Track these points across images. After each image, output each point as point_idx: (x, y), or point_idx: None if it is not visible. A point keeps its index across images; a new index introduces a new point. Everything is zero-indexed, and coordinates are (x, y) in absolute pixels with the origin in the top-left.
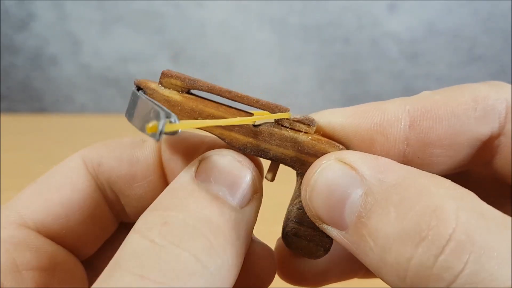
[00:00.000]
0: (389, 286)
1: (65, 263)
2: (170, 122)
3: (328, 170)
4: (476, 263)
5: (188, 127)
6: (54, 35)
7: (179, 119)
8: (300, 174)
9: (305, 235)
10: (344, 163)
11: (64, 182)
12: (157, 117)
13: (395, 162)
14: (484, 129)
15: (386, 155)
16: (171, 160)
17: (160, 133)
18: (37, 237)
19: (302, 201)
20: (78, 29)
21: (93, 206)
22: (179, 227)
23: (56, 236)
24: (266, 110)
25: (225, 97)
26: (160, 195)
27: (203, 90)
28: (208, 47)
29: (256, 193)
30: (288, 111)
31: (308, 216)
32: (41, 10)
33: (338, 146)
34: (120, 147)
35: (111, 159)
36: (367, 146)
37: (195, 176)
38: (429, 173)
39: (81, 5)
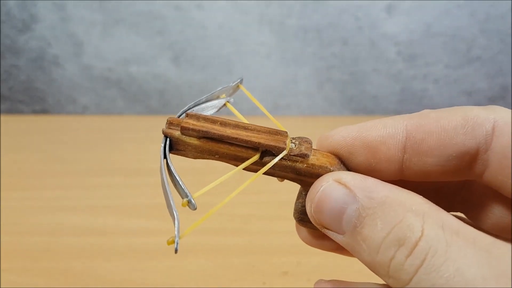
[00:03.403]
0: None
1: None
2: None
3: (328, 190)
4: (429, 261)
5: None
6: (56, 36)
7: (200, 157)
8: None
9: (308, 220)
10: (340, 183)
11: None
12: (173, 220)
13: (380, 181)
14: (471, 143)
15: (388, 161)
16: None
17: (177, 243)
18: None
19: (308, 213)
20: (80, 31)
21: None
22: None
23: None
24: (268, 149)
25: (233, 142)
26: None
27: (215, 138)
28: (209, 48)
29: None
30: (285, 149)
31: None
32: (43, 11)
33: (329, 169)
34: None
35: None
36: (373, 154)
37: None
38: (405, 191)
39: (83, 7)
